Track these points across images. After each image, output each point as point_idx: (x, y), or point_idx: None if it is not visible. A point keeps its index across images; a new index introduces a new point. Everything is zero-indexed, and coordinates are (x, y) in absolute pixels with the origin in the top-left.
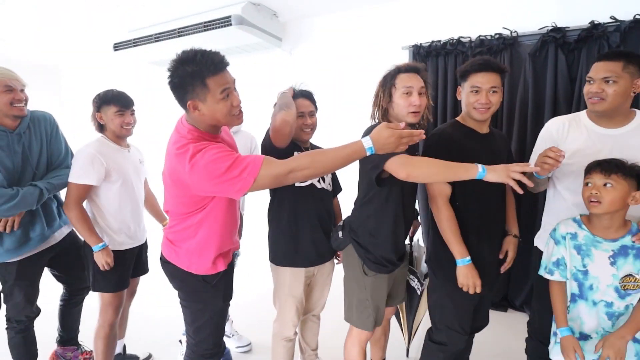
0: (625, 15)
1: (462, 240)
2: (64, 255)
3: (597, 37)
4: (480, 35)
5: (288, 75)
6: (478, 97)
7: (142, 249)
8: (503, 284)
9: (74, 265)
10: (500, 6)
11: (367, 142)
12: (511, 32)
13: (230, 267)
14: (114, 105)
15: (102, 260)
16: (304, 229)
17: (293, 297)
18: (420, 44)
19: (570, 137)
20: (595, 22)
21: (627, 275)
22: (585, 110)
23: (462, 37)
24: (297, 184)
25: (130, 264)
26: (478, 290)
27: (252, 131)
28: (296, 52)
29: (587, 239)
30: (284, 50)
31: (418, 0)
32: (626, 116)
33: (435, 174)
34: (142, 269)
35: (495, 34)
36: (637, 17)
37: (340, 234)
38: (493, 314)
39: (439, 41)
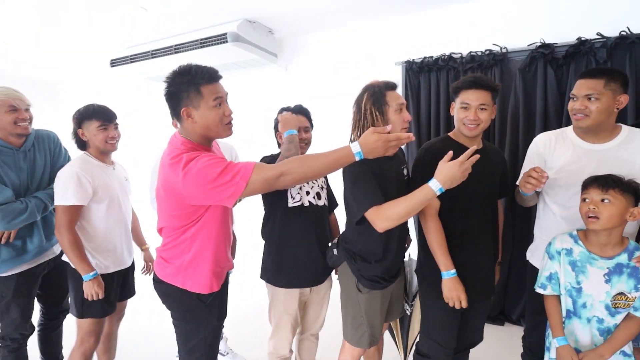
0: (612, 32)
1: (448, 253)
2: (56, 272)
3: (585, 53)
4: (471, 51)
5: (284, 90)
6: (467, 114)
7: (129, 271)
8: (499, 298)
9: (62, 284)
10: (490, 23)
11: (356, 147)
12: (501, 48)
13: (224, 286)
14: (96, 120)
15: (92, 291)
16: (298, 248)
17: (288, 315)
18: (413, 59)
19: (557, 152)
20: (583, 39)
21: (619, 294)
22: (571, 126)
23: (454, 53)
24: (290, 204)
25: (116, 288)
26: (464, 304)
27: (248, 146)
28: (291, 68)
29: (583, 255)
30: (279, 66)
31: (410, 17)
32: (611, 131)
33: (406, 214)
34: (129, 291)
35: (486, 50)
36: (622, 33)
37: (335, 251)
38: (489, 328)
39: (431, 57)
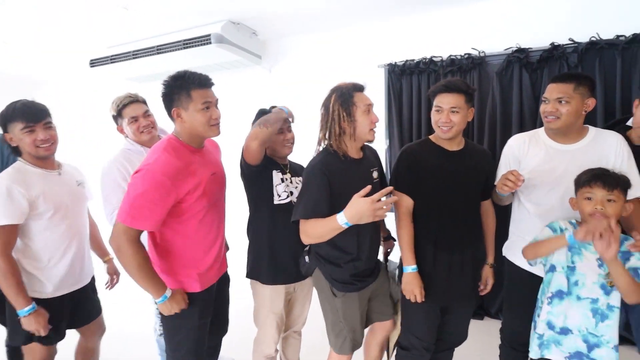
0: (583, 37)
1: (413, 250)
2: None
3: (558, 57)
4: (451, 55)
5: (267, 92)
6: (440, 116)
7: (87, 290)
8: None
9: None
10: (468, 28)
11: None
12: (479, 53)
13: (211, 288)
14: (20, 121)
15: (33, 327)
16: (283, 245)
17: (274, 314)
18: (395, 62)
19: (531, 153)
20: (556, 44)
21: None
22: (543, 127)
23: (435, 56)
24: (276, 201)
25: (67, 312)
26: (419, 299)
27: (232, 147)
28: (275, 70)
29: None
30: (263, 67)
31: (393, 21)
32: (579, 133)
33: (320, 236)
34: (90, 313)
35: (465, 54)
36: (592, 39)
37: (307, 258)
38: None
39: (413, 60)
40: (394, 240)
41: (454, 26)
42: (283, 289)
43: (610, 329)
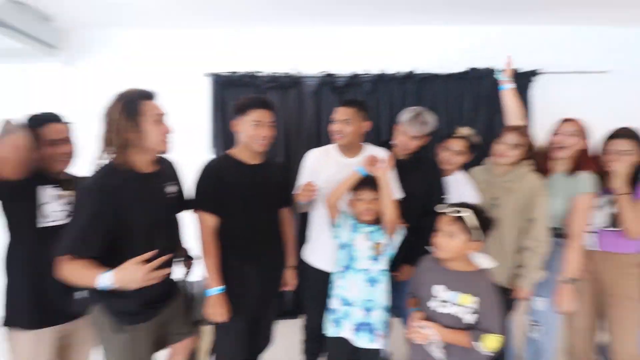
0: (375, 70)
1: (219, 270)
2: None
3: (357, 84)
4: (273, 72)
5: (67, 89)
6: (259, 131)
7: None
8: (293, 293)
9: None
10: (288, 49)
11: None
12: (297, 73)
13: None
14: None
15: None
16: (51, 278)
17: None
18: (221, 73)
19: (325, 166)
20: (355, 73)
21: (376, 243)
22: (334, 144)
23: (258, 71)
24: (41, 224)
25: None
26: (224, 318)
27: None
28: (80, 66)
29: (354, 224)
30: (60, 61)
31: (218, 30)
32: (359, 149)
33: (80, 283)
34: None
35: (285, 73)
36: (381, 72)
37: (78, 294)
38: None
39: (236, 73)
40: (192, 259)
41: (276, 45)
42: (50, 334)
43: (381, 292)
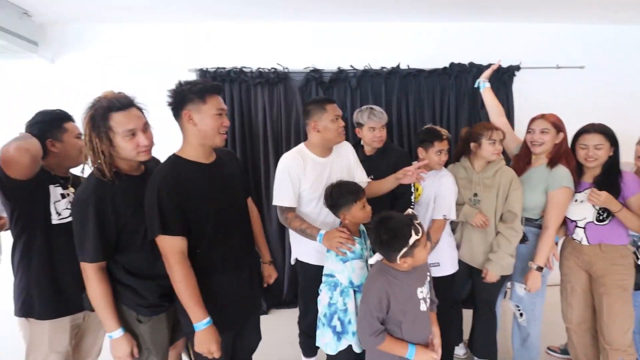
0: (360, 65)
1: (200, 301)
2: None
3: (343, 79)
4: (259, 68)
5: (48, 86)
6: (223, 120)
7: None
8: (280, 288)
9: None
10: (274, 45)
11: None
12: (284, 68)
13: None
14: None
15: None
16: (66, 270)
17: (56, 354)
18: (207, 68)
19: (307, 169)
20: (341, 69)
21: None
22: (303, 144)
23: (245, 67)
24: (54, 221)
25: None
26: (217, 354)
27: None
28: (61, 62)
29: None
30: (41, 56)
31: (205, 25)
32: (330, 149)
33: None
34: None
35: (272, 68)
36: (366, 67)
37: None
38: (273, 316)
39: (224, 68)
40: None
41: (262, 41)
42: (68, 322)
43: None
